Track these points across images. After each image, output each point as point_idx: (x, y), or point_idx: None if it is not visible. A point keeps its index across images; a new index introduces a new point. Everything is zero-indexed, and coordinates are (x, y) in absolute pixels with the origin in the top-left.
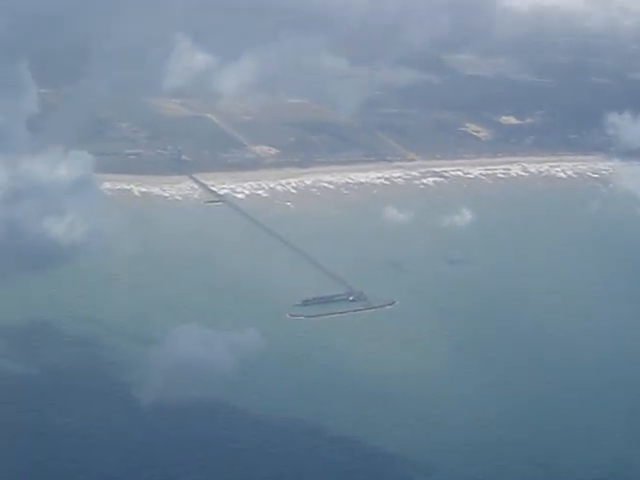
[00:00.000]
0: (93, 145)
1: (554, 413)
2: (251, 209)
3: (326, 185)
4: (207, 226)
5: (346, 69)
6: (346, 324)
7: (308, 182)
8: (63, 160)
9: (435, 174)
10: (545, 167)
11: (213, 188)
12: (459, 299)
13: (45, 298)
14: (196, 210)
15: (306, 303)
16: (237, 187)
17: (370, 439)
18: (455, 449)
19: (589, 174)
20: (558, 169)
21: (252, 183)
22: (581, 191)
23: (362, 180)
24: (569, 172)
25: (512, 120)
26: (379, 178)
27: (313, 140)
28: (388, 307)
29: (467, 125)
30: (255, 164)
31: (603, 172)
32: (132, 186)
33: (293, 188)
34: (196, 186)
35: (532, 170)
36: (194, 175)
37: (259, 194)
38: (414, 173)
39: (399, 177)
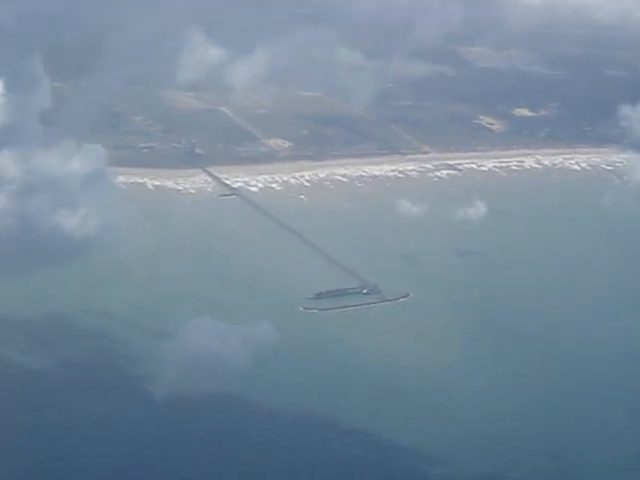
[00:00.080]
0: (107, 138)
1: (567, 406)
2: (265, 202)
3: (340, 178)
4: (221, 219)
5: (360, 62)
6: (360, 317)
7: (322, 175)
8: (76, 153)
9: (449, 167)
10: (559, 159)
11: (227, 181)
12: (473, 292)
13: (59, 292)
14: (210, 203)
15: (319, 296)
16: (251, 180)
17: (384, 432)
18: (469, 442)
19: (603, 166)
20: (572, 161)
21: (266, 176)
22: (595, 183)
23: (376, 173)
24: (583, 164)
25: (526, 112)
26: (393, 171)
27: (327, 133)
28: (402, 300)
29: (481, 118)
30: (269, 157)
31: (617, 164)
32: (146, 179)
33: (307, 181)
34: (210, 179)
35: (546, 162)
36: (208, 168)
37: (273, 187)
38: (428, 166)
39: (413, 170)
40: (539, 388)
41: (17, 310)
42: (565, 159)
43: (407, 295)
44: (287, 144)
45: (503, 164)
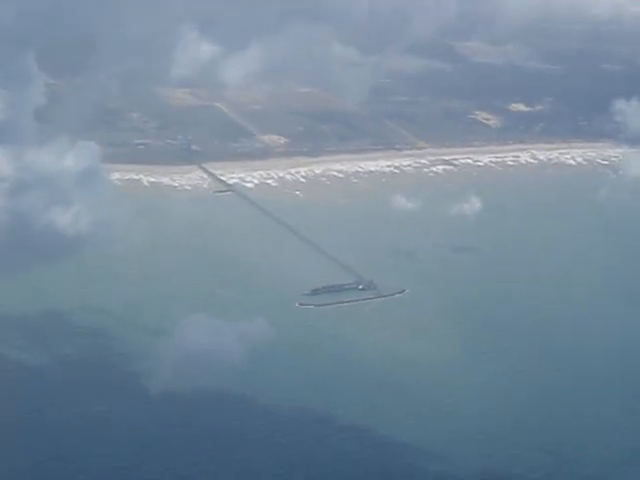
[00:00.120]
0: (103, 135)
1: (564, 401)
2: (260, 198)
3: (335, 174)
4: (216, 216)
5: (355, 58)
6: (356, 313)
7: (317, 171)
8: (70, 150)
9: (445, 162)
10: (554, 154)
11: (222, 178)
12: (469, 287)
13: (55, 289)
14: (205, 200)
15: (315, 292)
16: (246, 176)
17: (380, 428)
18: (465, 438)
19: (598, 161)
20: (567, 156)
21: (261, 172)
22: (590, 178)
23: (372, 169)
24: (578, 159)
25: (521, 107)
26: (389, 166)
27: (322, 129)
28: (398, 295)
29: (476, 113)
30: (264, 153)
31: (613, 159)
32: (141, 176)
33: (302, 177)
34: (205, 176)
35: (541, 157)
36: (203, 165)
37: (268, 183)
38: (423, 161)
39: (408, 165)
40: (536, 383)
41: (13, 307)
42: (561, 154)
43: (403, 291)
44: (283, 140)
45: (499, 159)
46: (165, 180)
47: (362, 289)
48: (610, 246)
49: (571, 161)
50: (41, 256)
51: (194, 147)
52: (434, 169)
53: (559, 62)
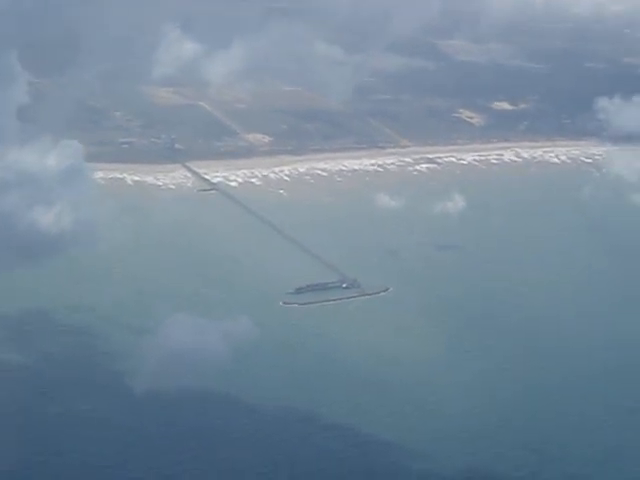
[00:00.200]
0: (87, 134)
1: (548, 400)
2: (244, 197)
3: (319, 172)
4: (200, 215)
5: (339, 56)
6: (340, 311)
7: (301, 170)
8: (54, 150)
9: (428, 160)
10: (539, 152)
11: (206, 176)
12: (453, 285)
13: (39, 288)
14: (189, 198)
15: (299, 291)
16: (230, 175)
17: (364, 427)
18: (450, 436)
19: (582, 159)
20: (551, 154)
21: (245, 171)
22: (574, 176)
23: (355, 167)
24: (562, 157)
25: (505, 106)
26: (372, 165)
27: (306, 127)
28: (382, 294)
29: (460, 111)
30: (248, 152)
31: (596, 157)
32: (125, 175)
33: (286, 176)
34: (189, 174)
35: (525, 155)
36: (187, 163)
37: (252, 182)
38: (407, 159)
39: (392, 164)
40: (520, 382)
41: None
42: (545, 152)
43: (387, 289)
44: (267, 139)
45: (482, 157)
46: (149, 179)
47: (346, 288)
48: (594, 244)
49: (555, 159)
50: (24, 255)
51: (178, 146)
52: (418, 167)
53: (543, 61)
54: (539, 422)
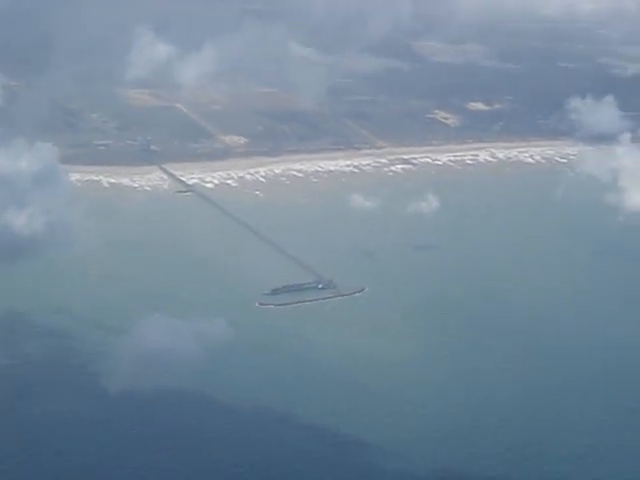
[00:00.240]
0: (63, 136)
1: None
2: (220, 199)
3: (295, 174)
4: (176, 216)
5: (314, 57)
6: (316, 312)
7: (277, 171)
8: (28, 152)
9: (404, 161)
10: (513, 152)
11: (182, 178)
12: (428, 286)
13: (15, 290)
14: (165, 200)
15: (275, 292)
16: (206, 177)
17: (340, 427)
18: (426, 436)
19: (557, 159)
20: (526, 154)
21: (221, 173)
22: (549, 176)
23: (331, 168)
24: (537, 157)
25: (480, 106)
26: (348, 166)
27: (282, 129)
28: (357, 294)
29: (435, 112)
30: (224, 154)
31: (571, 157)
32: (101, 177)
33: (262, 177)
34: (165, 176)
35: (500, 156)
36: (163, 165)
37: (228, 184)
38: (383, 160)
39: (368, 164)
40: (494, 383)
41: None
42: (519, 152)
43: (363, 289)
44: (242, 140)
45: (458, 158)
46: (125, 181)
47: (322, 288)
48: (572, 244)
49: (530, 159)
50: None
51: (154, 148)
52: (393, 168)
53: (517, 61)
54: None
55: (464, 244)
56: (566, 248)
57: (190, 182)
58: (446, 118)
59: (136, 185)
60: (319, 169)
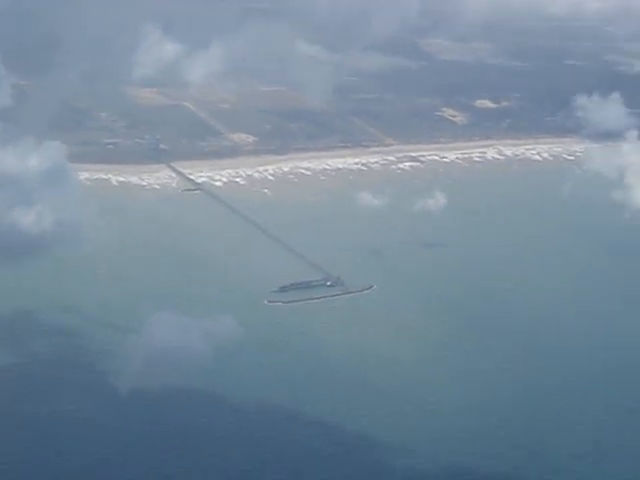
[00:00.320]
0: (72, 135)
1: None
2: (229, 197)
3: (303, 172)
4: (185, 214)
5: (321, 56)
6: (324, 309)
7: (285, 169)
8: (37, 151)
9: (412, 159)
10: (521, 150)
11: (191, 176)
12: (436, 283)
13: (24, 289)
14: (174, 199)
15: (284, 289)
16: (215, 175)
17: (349, 425)
18: (433, 435)
19: (564, 156)
20: (534, 152)
21: (230, 171)
22: (556, 173)
23: (339, 166)
24: (544, 154)
25: (488, 104)
26: (356, 164)
27: (290, 127)
28: (366, 292)
29: (443, 109)
30: (233, 152)
31: (578, 154)
32: (110, 175)
33: (270, 175)
34: (174, 175)
35: (508, 153)
36: (172, 164)
37: (237, 182)
38: (391, 158)
39: (376, 162)
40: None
41: None
42: (527, 149)
43: (371, 287)
44: (251, 138)
45: (465, 155)
46: (134, 179)
47: (330, 286)
48: (580, 241)
49: (537, 157)
50: (8, 256)
51: (163, 146)
52: (401, 166)
53: (524, 59)
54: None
55: (472, 242)
56: (573, 246)
57: (199, 180)
58: (454, 116)
59: (145, 183)
60: (327, 167)
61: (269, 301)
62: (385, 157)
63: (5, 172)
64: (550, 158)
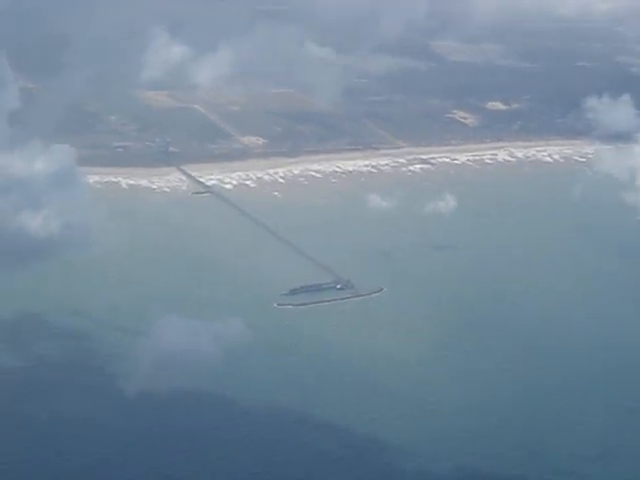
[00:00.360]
0: (82, 138)
1: (549, 400)
2: (239, 199)
3: (314, 174)
4: (195, 217)
5: (330, 58)
6: (334, 312)
7: (296, 171)
8: (47, 154)
9: (422, 161)
10: (532, 152)
11: (201, 179)
12: (446, 286)
13: (33, 291)
14: (184, 201)
15: (294, 292)
16: (225, 178)
17: (359, 427)
18: (447, 436)
19: (575, 158)
20: (545, 153)
21: (240, 173)
22: (567, 175)
23: (350, 168)
24: (555, 156)
25: (499, 106)
26: (366, 166)
27: (300, 129)
28: (376, 295)
29: (454, 111)
30: (243, 154)
31: (589, 156)
32: (120, 179)
33: (281, 178)
34: (184, 177)
35: (519, 155)
36: (182, 166)
37: (247, 184)
38: (401, 160)
39: (386, 164)
40: (520, 382)
41: None
42: (538, 151)
43: (381, 290)
44: (261, 141)
45: (476, 157)
46: (144, 182)
47: (340, 289)
48: (591, 243)
49: (548, 158)
50: (18, 259)
51: (172, 149)
52: (412, 168)
53: (535, 60)
54: (539, 422)
55: (482, 244)
56: (584, 248)
57: (209, 183)
58: (464, 118)
59: (155, 186)
60: (337, 169)
61: (279, 304)
62: (395, 159)
63: (14, 175)
64: (561, 160)
